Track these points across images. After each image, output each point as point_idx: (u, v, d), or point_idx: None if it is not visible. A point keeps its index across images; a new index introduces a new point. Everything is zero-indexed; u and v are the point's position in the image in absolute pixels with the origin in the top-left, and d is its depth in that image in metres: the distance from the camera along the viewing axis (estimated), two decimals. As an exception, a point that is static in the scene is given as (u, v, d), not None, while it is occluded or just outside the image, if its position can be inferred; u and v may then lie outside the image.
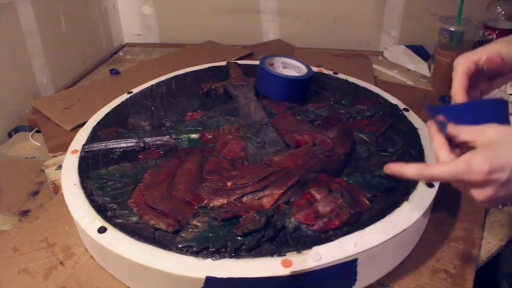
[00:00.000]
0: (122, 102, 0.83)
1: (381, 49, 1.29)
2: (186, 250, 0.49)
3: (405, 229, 0.52)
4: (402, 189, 0.58)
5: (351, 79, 0.90)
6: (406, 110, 0.77)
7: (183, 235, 0.51)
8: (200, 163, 0.62)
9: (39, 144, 0.93)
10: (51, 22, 1.11)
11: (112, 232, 0.53)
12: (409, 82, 1.08)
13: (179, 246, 0.50)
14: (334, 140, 0.66)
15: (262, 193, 0.55)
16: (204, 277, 0.47)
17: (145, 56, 1.36)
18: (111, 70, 1.15)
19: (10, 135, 0.98)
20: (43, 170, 0.80)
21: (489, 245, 0.61)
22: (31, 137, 0.95)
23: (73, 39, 1.20)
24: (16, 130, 0.99)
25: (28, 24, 1.03)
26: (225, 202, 0.55)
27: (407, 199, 0.56)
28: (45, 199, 0.73)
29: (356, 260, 0.50)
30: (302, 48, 1.30)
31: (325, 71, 0.93)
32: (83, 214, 0.56)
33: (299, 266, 0.47)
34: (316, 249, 0.49)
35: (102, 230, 0.53)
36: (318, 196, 0.55)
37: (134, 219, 0.54)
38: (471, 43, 0.98)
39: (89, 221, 0.55)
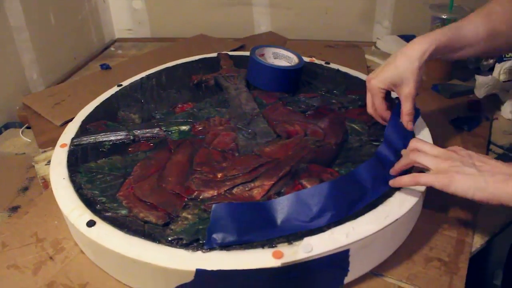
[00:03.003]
0: (112, 95, 0.82)
1: (373, 40, 1.29)
2: (176, 242, 0.49)
3: (397, 219, 0.52)
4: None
5: (343, 69, 0.89)
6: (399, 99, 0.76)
7: (173, 227, 0.50)
8: (190, 155, 0.61)
9: (30, 140, 0.92)
10: (39, 17, 1.09)
11: (102, 226, 0.52)
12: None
13: (169, 238, 0.49)
14: (325, 130, 0.65)
15: (252, 184, 0.54)
16: (194, 269, 0.46)
17: (137, 50, 1.35)
18: (101, 65, 1.14)
19: (0, 131, 0.97)
20: (33, 166, 0.79)
21: (482, 232, 0.61)
22: (22, 133, 0.94)
23: (63, 35, 1.19)
24: (6, 126, 0.98)
25: (16, 19, 1.01)
26: (215, 194, 0.54)
27: (399, 189, 0.56)
28: (35, 194, 0.72)
29: (348, 251, 0.49)
30: (294, 40, 1.29)
31: (317, 61, 0.93)
32: (72, 208, 0.56)
33: (290, 258, 0.47)
34: (308, 240, 0.48)
35: (91, 223, 0.53)
36: (309, 187, 0.54)
37: (124, 212, 0.54)
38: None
39: (78, 214, 0.54)
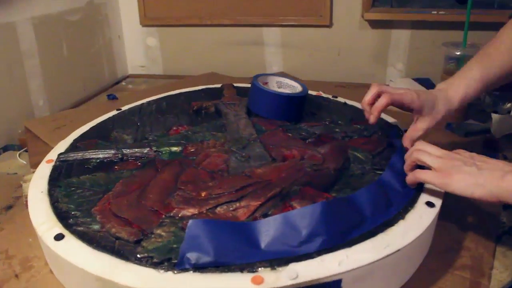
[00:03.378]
0: (109, 118, 0.79)
1: (387, 82, 1.26)
2: (146, 261, 0.43)
3: (399, 250, 0.46)
4: (400, 207, 0.52)
5: (350, 102, 0.85)
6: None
7: (144, 244, 0.45)
8: (177, 174, 0.57)
9: (25, 163, 0.90)
10: (51, 45, 1.11)
11: (69, 240, 0.48)
12: (415, 112, 1.03)
13: (138, 256, 0.44)
14: (324, 155, 0.60)
15: (238, 204, 0.49)
16: (161, 291, 0.40)
17: (147, 86, 1.36)
18: (108, 96, 1.14)
19: (-2, 153, 0.95)
20: (21, 185, 0.76)
21: (501, 275, 0.53)
22: (19, 156, 0.92)
23: (74, 66, 1.20)
24: (5, 148, 0.97)
25: (27, 45, 1.03)
26: (196, 213, 0.49)
27: (403, 218, 0.50)
28: (17, 213, 0.68)
29: (340, 282, 0.43)
30: (306, 81, 1.28)
31: (324, 95, 0.89)
32: (43, 221, 0.51)
33: (271, 284, 0.41)
34: (293, 266, 0.43)
35: (59, 237, 0.48)
36: (300, 209, 0.49)
37: (96, 227, 0.49)
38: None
39: (47, 228, 0.50)
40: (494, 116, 0.87)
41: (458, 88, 0.61)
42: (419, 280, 0.52)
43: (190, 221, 0.45)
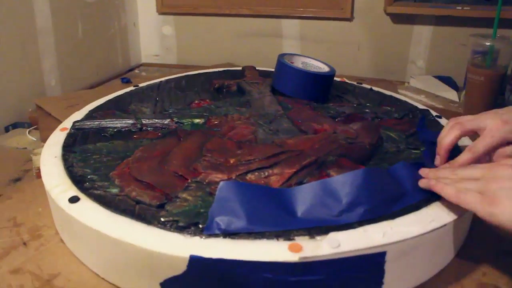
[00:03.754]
0: (126, 92, 0.76)
1: (407, 79, 1.23)
2: (170, 225, 0.40)
3: (445, 225, 0.42)
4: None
5: (376, 88, 0.82)
6: (439, 117, 0.68)
7: (168, 208, 0.41)
8: (201, 143, 0.53)
9: (35, 139, 0.86)
10: (67, 24, 1.08)
11: (85, 203, 0.44)
12: (438, 106, 0.99)
13: (162, 220, 0.40)
14: (357, 131, 0.57)
15: (270, 171, 0.45)
16: (188, 256, 0.36)
17: (161, 74, 1.32)
18: (122, 79, 1.11)
19: (7, 129, 0.91)
20: (31, 159, 0.72)
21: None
22: (28, 133, 0.89)
23: (88, 48, 1.17)
24: (15, 126, 0.93)
25: (43, 21, 1.00)
26: (225, 178, 0.45)
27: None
28: (26, 184, 0.64)
29: (384, 254, 0.39)
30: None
31: (348, 81, 0.86)
32: (57, 184, 0.47)
33: (312, 252, 0.37)
34: (334, 235, 0.39)
35: (74, 200, 0.44)
36: (338, 178, 0.45)
37: (115, 190, 0.45)
38: (503, 66, 0.89)
39: (61, 190, 0.46)
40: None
41: None
42: (462, 263, 0.47)
43: (221, 183, 0.41)
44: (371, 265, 0.39)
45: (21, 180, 0.67)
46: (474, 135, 0.50)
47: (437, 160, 0.51)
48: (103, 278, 0.43)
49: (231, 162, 0.47)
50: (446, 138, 0.50)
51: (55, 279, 0.44)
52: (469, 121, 0.49)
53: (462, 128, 0.49)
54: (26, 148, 0.79)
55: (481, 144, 0.47)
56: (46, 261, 0.46)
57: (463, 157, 0.48)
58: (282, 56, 0.74)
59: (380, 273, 0.40)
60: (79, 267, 0.45)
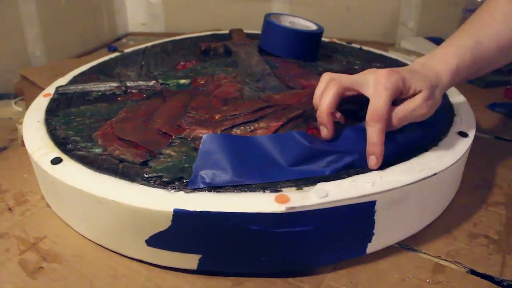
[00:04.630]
0: (111, 58, 0.74)
1: (397, 41, 1.21)
2: (154, 181, 0.39)
3: (435, 173, 0.41)
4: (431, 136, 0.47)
5: (366, 48, 0.80)
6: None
7: (152, 164, 0.40)
8: (186, 101, 0.52)
9: (21, 110, 0.84)
10: (49, -8, 1.05)
11: (68, 163, 0.43)
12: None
13: (146, 176, 0.39)
14: (347, 86, 0.55)
15: (256, 125, 0.44)
16: (171, 210, 0.36)
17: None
18: (109, 47, 1.08)
19: (-9, 101, 0.90)
20: (17, 129, 0.71)
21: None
22: (14, 103, 0.87)
23: (73, 17, 1.14)
24: (0, 97, 0.91)
25: (23, -11, 0.97)
26: (210, 133, 0.44)
27: (436, 145, 0.45)
28: (11, 152, 0.63)
29: (374, 204, 0.38)
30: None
31: (337, 42, 0.84)
32: (39, 147, 0.46)
33: (299, 202, 0.36)
34: (322, 186, 0.38)
35: (56, 161, 0.43)
36: (326, 130, 0.44)
37: (98, 150, 0.44)
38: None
39: (43, 153, 0.45)
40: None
41: (446, 57, 0.44)
42: (453, 215, 0.47)
43: (205, 136, 0.40)
44: (360, 215, 0.38)
45: (7, 149, 0.65)
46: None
47: (324, 131, 0.42)
48: (89, 239, 0.43)
49: (216, 118, 0.46)
50: (324, 101, 0.41)
51: (41, 242, 0.43)
52: (347, 78, 0.42)
53: (339, 85, 0.41)
54: (11, 118, 0.78)
55: (382, 102, 0.39)
56: (32, 225, 0.45)
57: (376, 135, 0.39)
58: (269, 15, 0.72)
59: (371, 223, 0.39)
60: (65, 229, 0.45)
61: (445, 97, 0.57)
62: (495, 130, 0.67)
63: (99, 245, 0.42)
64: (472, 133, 0.49)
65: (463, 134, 0.48)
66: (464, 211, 0.48)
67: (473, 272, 0.40)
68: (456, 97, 0.58)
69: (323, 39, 0.77)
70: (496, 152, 0.60)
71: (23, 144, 0.64)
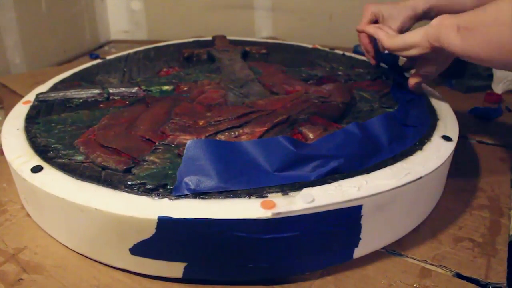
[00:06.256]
0: (93, 65, 0.73)
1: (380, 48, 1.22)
2: (138, 188, 0.38)
3: (420, 177, 0.41)
4: (415, 139, 0.47)
5: (349, 53, 0.81)
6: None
7: (135, 171, 0.40)
8: (170, 108, 0.51)
9: (0, 118, 0.82)
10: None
11: (49, 172, 0.42)
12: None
13: (129, 183, 0.38)
14: (330, 91, 0.55)
15: (241, 130, 0.44)
16: (156, 218, 0.35)
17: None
18: (91, 55, 1.07)
19: (-31, 111, 0.87)
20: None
21: (521, 214, 0.49)
22: (-8, 112, 0.85)
23: (53, 24, 1.12)
24: (-23, 106, 0.89)
25: (2, -5, 0.95)
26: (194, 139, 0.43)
27: (421, 149, 0.46)
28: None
29: (360, 208, 0.38)
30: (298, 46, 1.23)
31: (320, 48, 0.85)
32: (18, 155, 0.45)
33: (285, 208, 0.36)
34: (308, 191, 0.38)
35: (36, 169, 0.42)
36: (311, 135, 0.44)
37: (79, 158, 0.43)
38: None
39: (23, 161, 0.44)
40: (495, 72, 0.83)
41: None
42: (438, 219, 0.48)
43: (189, 142, 0.39)
44: (347, 220, 0.38)
45: (-16, 158, 0.64)
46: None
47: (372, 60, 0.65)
48: (71, 249, 0.42)
49: (200, 124, 0.46)
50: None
51: (20, 252, 0.42)
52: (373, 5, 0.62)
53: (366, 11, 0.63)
54: (-11, 126, 0.76)
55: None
56: (11, 235, 0.44)
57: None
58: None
59: (357, 228, 0.39)
60: (46, 239, 0.43)
61: (428, 102, 0.57)
62: (477, 135, 0.68)
63: (82, 254, 0.41)
64: (455, 137, 0.49)
65: (447, 138, 0.49)
66: (449, 215, 0.48)
67: (459, 276, 0.40)
68: (440, 102, 0.58)
69: (306, 45, 0.77)
70: (479, 156, 0.61)
71: (2, 153, 0.63)
